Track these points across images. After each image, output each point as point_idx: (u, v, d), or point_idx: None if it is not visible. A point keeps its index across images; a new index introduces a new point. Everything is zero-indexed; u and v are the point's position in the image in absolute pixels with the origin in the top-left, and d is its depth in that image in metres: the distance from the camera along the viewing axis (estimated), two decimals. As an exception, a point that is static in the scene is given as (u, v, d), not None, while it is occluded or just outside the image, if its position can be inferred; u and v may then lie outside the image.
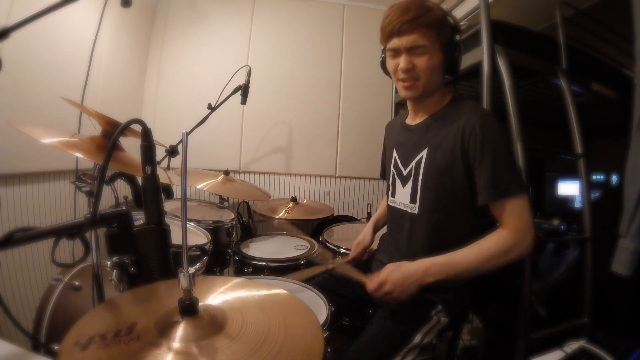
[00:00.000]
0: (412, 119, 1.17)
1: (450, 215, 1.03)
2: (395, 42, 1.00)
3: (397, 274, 0.94)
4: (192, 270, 0.56)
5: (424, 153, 1.06)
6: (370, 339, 1.00)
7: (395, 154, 1.18)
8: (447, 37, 1.01)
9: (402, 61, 1.00)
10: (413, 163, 1.09)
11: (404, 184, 1.13)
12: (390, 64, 1.05)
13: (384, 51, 1.10)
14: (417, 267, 0.94)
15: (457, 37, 1.03)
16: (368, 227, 1.41)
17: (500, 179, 0.93)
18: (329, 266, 1.23)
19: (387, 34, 1.01)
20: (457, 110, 1.05)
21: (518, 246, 0.91)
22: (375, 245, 1.38)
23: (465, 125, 0.97)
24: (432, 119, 1.09)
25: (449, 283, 1.07)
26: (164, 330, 0.53)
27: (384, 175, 1.36)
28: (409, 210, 1.10)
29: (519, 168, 1.03)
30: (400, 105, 2.59)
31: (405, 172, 1.12)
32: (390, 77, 1.11)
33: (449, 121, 1.03)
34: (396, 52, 1.02)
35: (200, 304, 0.58)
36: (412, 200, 1.09)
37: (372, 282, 0.97)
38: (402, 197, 1.13)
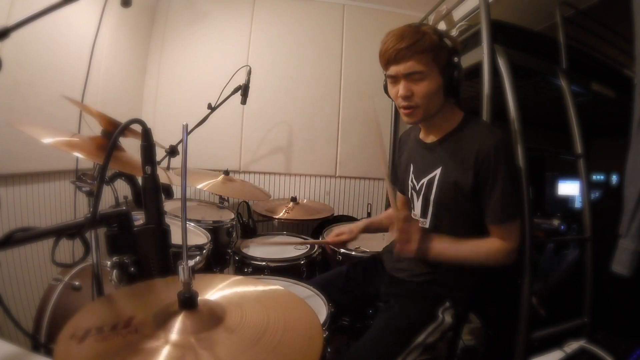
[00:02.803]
0: (426, 137, 1.17)
1: (458, 231, 1.06)
2: (393, 70, 1.01)
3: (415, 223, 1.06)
4: (191, 263, 0.56)
5: (438, 172, 1.08)
6: (374, 338, 1.01)
7: (411, 168, 1.19)
8: (444, 60, 1.00)
9: (401, 88, 1.01)
10: (425, 180, 1.11)
11: (417, 198, 1.15)
12: (391, 90, 1.07)
13: (385, 77, 1.09)
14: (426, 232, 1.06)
15: (456, 59, 1.01)
16: (361, 222, 1.39)
17: (508, 203, 1.00)
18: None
19: (385, 62, 1.02)
20: (471, 132, 1.06)
21: (504, 258, 1.02)
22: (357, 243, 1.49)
23: (480, 149, 1.00)
24: (446, 139, 1.10)
25: (459, 279, 1.09)
26: (162, 323, 0.53)
27: (394, 180, 1.34)
28: (420, 225, 1.12)
29: (521, 190, 1.09)
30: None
31: (417, 187, 1.14)
32: None
33: (464, 142, 1.05)
34: (395, 79, 1.02)
35: (199, 298, 0.58)
36: (423, 215, 1.12)
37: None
38: (417, 210, 1.16)
